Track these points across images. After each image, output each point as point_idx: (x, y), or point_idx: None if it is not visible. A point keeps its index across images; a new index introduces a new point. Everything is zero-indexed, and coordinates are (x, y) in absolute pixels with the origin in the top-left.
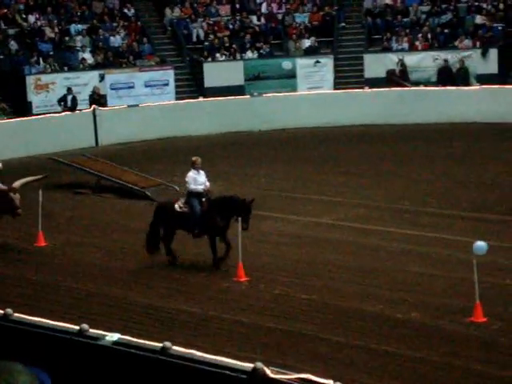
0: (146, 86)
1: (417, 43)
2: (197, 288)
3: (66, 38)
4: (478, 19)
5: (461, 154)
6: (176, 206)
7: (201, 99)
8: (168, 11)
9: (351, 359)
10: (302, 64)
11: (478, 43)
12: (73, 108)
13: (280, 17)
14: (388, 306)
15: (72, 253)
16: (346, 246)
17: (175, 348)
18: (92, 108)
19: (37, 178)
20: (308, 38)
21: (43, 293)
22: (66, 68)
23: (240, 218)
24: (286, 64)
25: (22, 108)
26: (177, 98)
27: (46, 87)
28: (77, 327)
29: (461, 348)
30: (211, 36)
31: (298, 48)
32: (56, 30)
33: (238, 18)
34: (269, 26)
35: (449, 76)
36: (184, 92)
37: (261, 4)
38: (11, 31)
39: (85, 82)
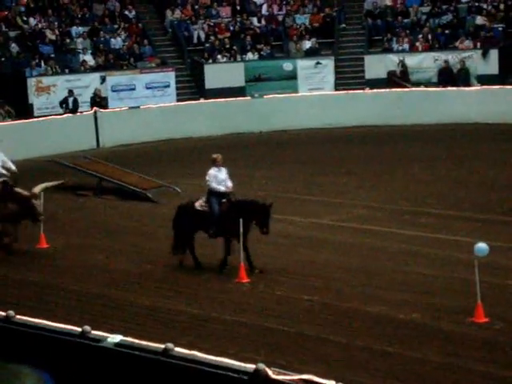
0: (147, 88)
1: (417, 44)
2: (198, 289)
3: (67, 41)
4: (479, 20)
5: (461, 155)
6: (197, 204)
7: (202, 101)
8: (169, 13)
9: (353, 360)
10: (303, 65)
11: (478, 44)
12: (74, 110)
13: (280, 18)
14: (389, 306)
15: (74, 255)
16: (347, 246)
17: (177, 349)
18: (93, 110)
19: (56, 184)
20: (308, 40)
21: (45, 295)
22: (67, 70)
23: (259, 223)
24: (287, 65)
25: (24, 110)
26: (178, 100)
27: (47, 89)
28: (79, 329)
29: (462, 348)
30: (212, 37)
31: (298, 49)
32: (57, 32)
33: (238, 19)
34: (269, 28)
35: (449, 77)
36: (185, 94)
37: (261, 5)
38: (12, 33)
39: (86, 84)
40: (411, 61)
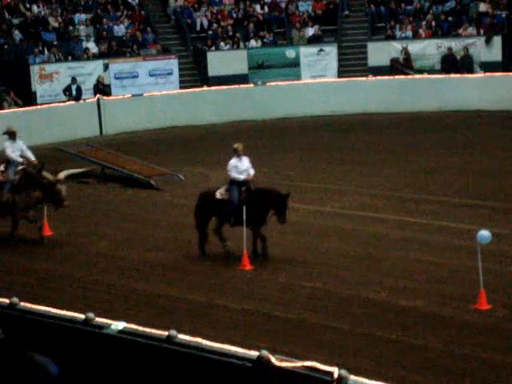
0: (150, 76)
1: (420, 31)
2: (202, 276)
3: (70, 28)
4: (482, 7)
5: (464, 142)
6: (217, 192)
7: (204, 88)
8: (171, 0)
9: (355, 347)
10: (306, 52)
11: (481, 31)
12: (77, 98)
13: (283, 5)
14: (392, 293)
15: (77, 242)
16: (349, 234)
17: (181, 336)
18: (96, 97)
19: (81, 171)
20: (311, 27)
21: (49, 282)
22: (70, 58)
23: (276, 212)
24: (290, 53)
25: (27, 98)
26: (181, 87)
27: (50, 77)
28: (83, 316)
29: (465, 335)
30: (215, 25)
31: (301, 36)
32: (60, 19)
33: (241, 6)
34: (272, 15)
35: (453, 64)
36: (188, 81)
37: None
38: (15, 21)
39: (89, 71)
40: (414, 48)
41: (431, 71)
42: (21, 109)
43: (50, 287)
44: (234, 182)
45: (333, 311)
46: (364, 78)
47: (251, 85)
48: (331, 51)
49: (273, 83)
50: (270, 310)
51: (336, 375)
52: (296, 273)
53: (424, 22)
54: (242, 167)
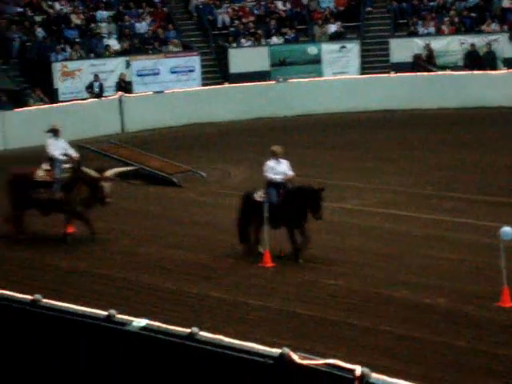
0: (172, 73)
1: (443, 27)
2: (223, 274)
3: (92, 25)
4: (505, 3)
5: (487, 139)
6: (256, 195)
7: (226, 85)
8: None
9: (378, 345)
10: (328, 49)
11: (505, 27)
12: (100, 95)
13: (305, 2)
14: (414, 291)
15: (99, 239)
16: (372, 231)
17: (202, 333)
18: (118, 95)
19: (129, 170)
20: (333, 23)
21: (71, 279)
22: (92, 55)
23: (311, 208)
24: (312, 49)
25: (49, 95)
26: (202, 84)
27: (72, 74)
28: (105, 313)
29: (487, 333)
30: (236, 21)
31: (323, 33)
32: (82, 16)
33: (263, 3)
34: (294, 11)
35: (476, 60)
36: (209, 78)
37: None
38: (38, 18)
39: (111, 68)
40: (437, 44)
41: (454, 68)
42: (43, 106)
43: (73, 284)
44: (271, 184)
45: (355, 309)
46: (386, 75)
47: (273, 82)
48: (353, 48)
49: (294, 80)
50: (291, 307)
51: (358, 373)
52: (318, 270)
53: (447, 18)
54: (279, 169)
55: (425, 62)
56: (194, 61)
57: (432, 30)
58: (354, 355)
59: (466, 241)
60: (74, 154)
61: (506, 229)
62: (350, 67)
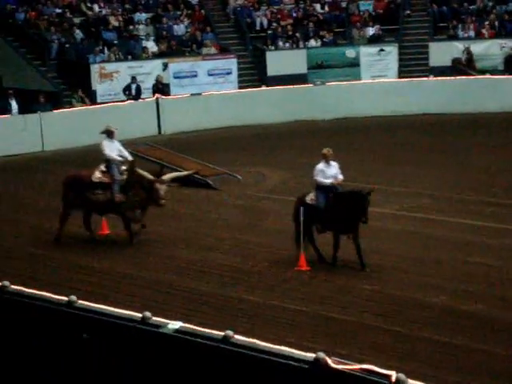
0: (209, 75)
1: (483, 31)
2: (258, 277)
3: (130, 27)
4: None
5: None
6: (307, 198)
7: (263, 88)
8: None
9: (413, 350)
10: (366, 52)
11: None
12: (137, 97)
13: (344, 5)
14: (452, 297)
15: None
16: (409, 236)
17: (237, 337)
18: (155, 97)
19: (187, 174)
20: (372, 26)
21: (106, 280)
22: (129, 57)
23: (358, 211)
24: (350, 52)
25: (87, 97)
26: (239, 87)
27: (109, 76)
28: (139, 315)
29: None
30: (274, 24)
31: (361, 36)
32: (120, 18)
33: (301, 5)
34: (332, 14)
35: None
36: (247, 81)
37: None
38: (76, 20)
39: (148, 70)
40: (477, 48)
41: (494, 72)
42: (80, 107)
43: (108, 285)
44: (320, 187)
45: (391, 314)
46: (425, 79)
47: (310, 85)
48: (392, 51)
49: (332, 83)
50: (327, 311)
51: (394, 379)
52: (354, 274)
53: (487, 22)
54: (328, 172)
55: (464, 66)
56: (232, 63)
57: (472, 33)
58: (390, 361)
59: (505, 246)
60: (129, 156)
61: None
62: (388, 71)
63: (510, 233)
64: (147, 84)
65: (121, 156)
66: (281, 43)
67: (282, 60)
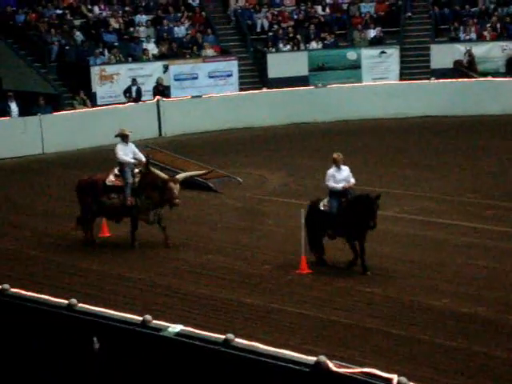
0: (210, 77)
1: (485, 33)
2: (259, 280)
3: (131, 29)
4: None
5: None
6: (320, 204)
7: (264, 90)
8: (232, 1)
9: (415, 354)
10: (367, 54)
11: None
12: (137, 99)
13: (345, 7)
14: (453, 300)
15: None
16: (410, 239)
17: (238, 340)
18: (156, 99)
19: (201, 173)
20: (373, 29)
21: (106, 283)
22: (130, 59)
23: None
24: (351, 54)
25: (88, 99)
26: (240, 89)
27: (110, 78)
28: (140, 318)
29: None
30: (275, 26)
31: (363, 38)
32: (121, 20)
33: (302, 8)
34: (334, 16)
35: None
36: (247, 83)
37: None
38: (77, 22)
39: (148, 73)
40: (478, 50)
41: (495, 74)
42: (80, 110)
43: (108, 289)
44: (333, 193)
45: (392, 317)
46: (426, 81)
47: (311, 87)
48: (393, 53)
49: (333, 85)
50: (328, 314)
51: (395, 382)
52: (355, 278)
53: (489, 24)
54: (339, 177)
55: (466, 69)
56: (232, 65)
57: (473, 35)
58: (391, 364)
59: (507, 250)
60: (143, 158)
61: None
62: (389, 73)
63: (509, 235)
64: (148, 86)
65: (135, 159)
66: (282, 45)
67: (282, 62)
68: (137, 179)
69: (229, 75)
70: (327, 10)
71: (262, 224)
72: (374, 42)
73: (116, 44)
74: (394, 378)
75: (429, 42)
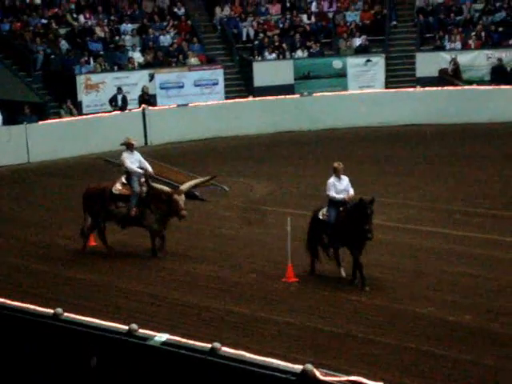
0: (196, 86)
1: (470, 42)
2: (246, 289)
3: (116, 38)
4: None
5: None
6: (320, 213)
7: (250, 98)
8: (218, 10)
9: (402, 362)
10: (353, 63)
11: None
12: (123, 108)
13: (330, 15)
14: (439, 308)
15: (121, 253)
16: (397, 247)
17: (224, 349)
18: (141, 108)
19: (204, 180)
20: (359, 37)
21: (92, 292)
22: (115, 68)
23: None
24: (337, 63)
25: (74, 108)
26: (226, 98)
27: (96, 87)
28: (126, 327)
29: None
30: (261, 35)
31: (348, 47)
32: (106, 29)
33: (287, 16)
34: (319, 25)
35: (502, 75)
36: (233, 91)
37: (311, 3)
38: (62, 31)
39: (134, 81)
40: (464, 58)
41: (480, 82)
42: (66, 119)
43: (94, 298)
44: (332, 202)
45: (379, 325)
46: (412, 89)
47: (297, 95)
48: (379, 62)
49: (319, 94)
50: (314, 323)
51: None
52: (341, 286)
53: (473, 33)
54: (340, 187)
55: (451, 77)
56: (218, 74)
57: (458, 44)
58: (378, 372)
59: (492, 257)
60: (149, 168)
61: None
62: (375, 81)
63: (494, 243)
64: (133, 95)
65: (141, 168)
66: (267, 54)
67: (268, 71)
68: (144, 188)
69: (215, 84)
70: (313, 18)
71: (249, 232)
72: (360, 51)
73: (101, 53)
74: None
75: (414, 51)
